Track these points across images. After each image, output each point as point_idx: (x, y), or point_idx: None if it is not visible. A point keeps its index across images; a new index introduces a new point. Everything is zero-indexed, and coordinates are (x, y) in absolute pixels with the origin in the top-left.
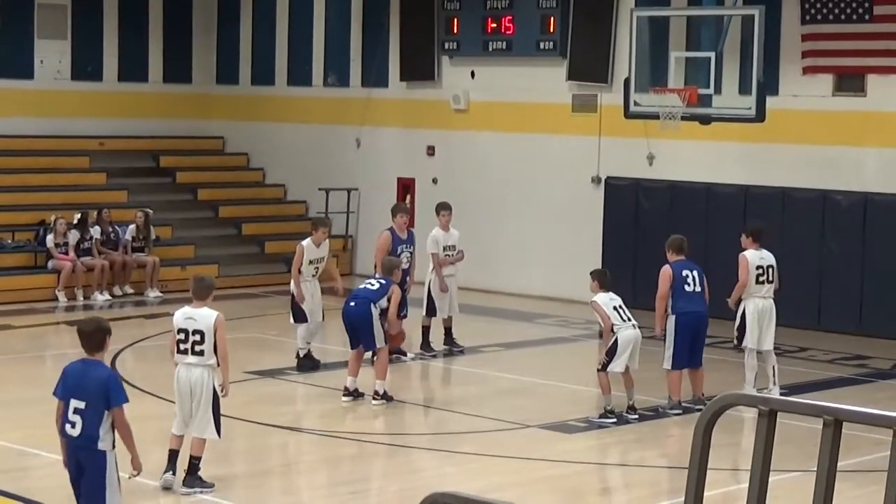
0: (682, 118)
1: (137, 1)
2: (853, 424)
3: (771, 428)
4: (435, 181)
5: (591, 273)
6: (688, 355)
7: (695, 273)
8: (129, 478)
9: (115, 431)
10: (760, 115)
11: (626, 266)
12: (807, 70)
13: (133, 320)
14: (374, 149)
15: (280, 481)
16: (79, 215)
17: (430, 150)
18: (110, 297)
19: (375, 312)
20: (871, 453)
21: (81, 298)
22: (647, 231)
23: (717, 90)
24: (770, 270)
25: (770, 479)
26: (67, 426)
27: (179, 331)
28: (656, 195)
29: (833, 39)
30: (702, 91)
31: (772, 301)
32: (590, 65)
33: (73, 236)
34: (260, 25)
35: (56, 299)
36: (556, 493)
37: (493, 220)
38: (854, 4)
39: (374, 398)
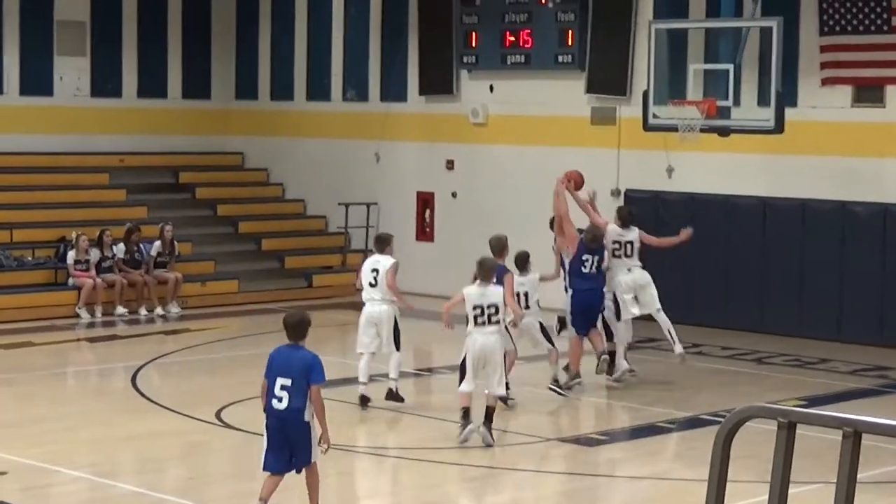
0: (701, 130)
1: (156, 17)
2: (873, 436)
3: (790, 440)
4: (454, 195)
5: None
6: (584, 325)
7: (595, 258)
8: (323, 452)
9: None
10: (779, 127)
11: None
12: (825, 81)
13: (154, 336)
14: (394, 163)
15: (296, 495)
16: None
17: (450, 164)
18: (128, 313)
19: None
20: (892, 465)
21: (100, 315)
22: None
23: (736, 102)
24: (628, 246)
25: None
26: (274, 401)
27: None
28: (675, 207)
29: (852, 51)
30: (720, 103)
31: (639, 269)
32: (608, 78)
33: (95, 255)
34: (279, 41)
35: (78, 316)
36: None
37: (513, 234)
38: (873, 16)
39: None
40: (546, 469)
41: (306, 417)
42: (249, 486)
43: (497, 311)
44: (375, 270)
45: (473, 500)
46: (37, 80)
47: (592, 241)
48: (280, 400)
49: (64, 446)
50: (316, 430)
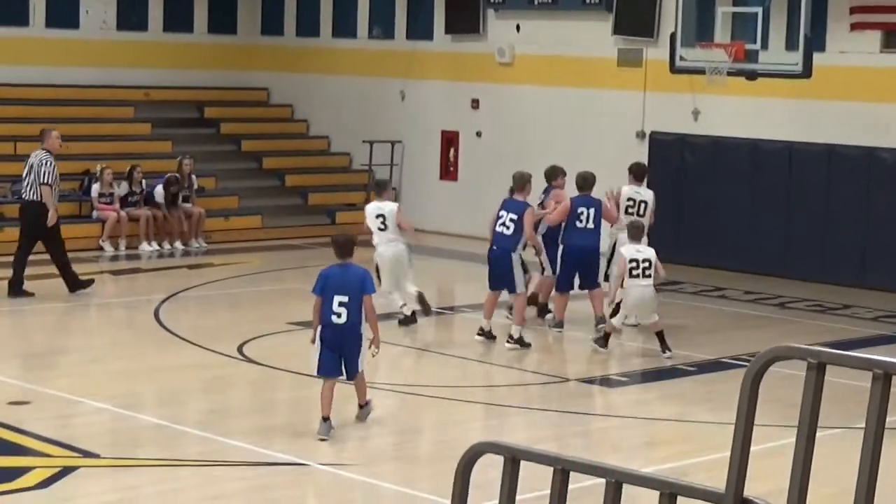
0: (728, 73)
1: None
2: None
3: (819, 381)
4: (479, 134)
5: None
6: (573, 282)
7: (591, 210)
8: (373, 356)
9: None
10: (807, 72)
11: (669, 221)
12: (854, 26)
13: (177, 270)
14: (419, 101)
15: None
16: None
17: (475, 104)
18: (159, 247)
19: (515, 258)
20: None
21: (124, 248)
22: (692, 186)
23: (764, 46)
24: (642, 205)
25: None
26: (333, 317)
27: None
28: (701, 151)
29: None
30: (748, 46)
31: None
32: (636, 19)
33: (123, 188)
34: None
35: (101, 249)
36: (598, 447)
37: (536, 175)
38: None
39: (507, 342)
40: (567, 409)
41: (361, 330)
42: (270, 420)
43: (650, 266)
44: (381, 216)
45: (494, 438)
46: (63, 12)
47: (582, 182)
48: (339, 315)
49: (86, 378)
50: (365, 341)
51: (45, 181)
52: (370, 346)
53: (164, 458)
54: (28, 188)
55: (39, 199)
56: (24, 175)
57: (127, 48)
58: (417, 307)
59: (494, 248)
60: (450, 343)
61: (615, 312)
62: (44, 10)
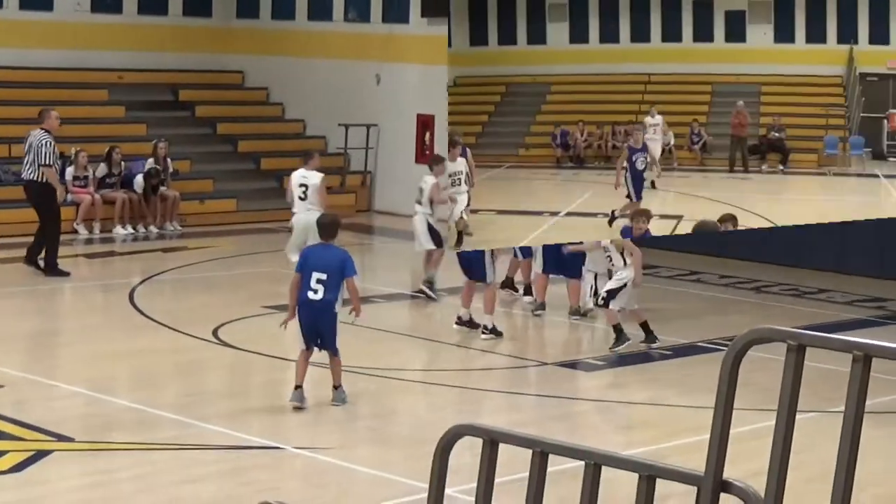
0: None
1: None
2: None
3: (799, 363)
4: None
5: None
6: (557, 263)
7: None
8: (353, 322)
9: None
10: None
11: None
12: None
13: (152, 254)
14: (394, 85)
15: (297, 416)
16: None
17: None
18: (133, 231)
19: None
20: (891, 394)
21: (98, 231)
22: None
23: None
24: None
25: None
26: (310, 293)
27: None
28: None
29: None
30: None
31: None
32: None
33: (102, 170)
34: None
35: (76, 232)
36: (576, 430)
37: None
38: None
39: (482, 332)
40: (543, 393)
41: (336, 308)
42: (245, 404)
43: None
44: (304, 185)
45: (470, 422)
46: None
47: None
48: (315, 292)
49: (61, 361)
50: (338, 320)
51: (47, 162)
52: (350, 312)
53: (138, 442)
54: (27, 167)
55: (39, 179)
56: (25, 154)
57: (101, 30)
58: None
59: None
60: (427, 327)
61: (609, 299)
62: None
